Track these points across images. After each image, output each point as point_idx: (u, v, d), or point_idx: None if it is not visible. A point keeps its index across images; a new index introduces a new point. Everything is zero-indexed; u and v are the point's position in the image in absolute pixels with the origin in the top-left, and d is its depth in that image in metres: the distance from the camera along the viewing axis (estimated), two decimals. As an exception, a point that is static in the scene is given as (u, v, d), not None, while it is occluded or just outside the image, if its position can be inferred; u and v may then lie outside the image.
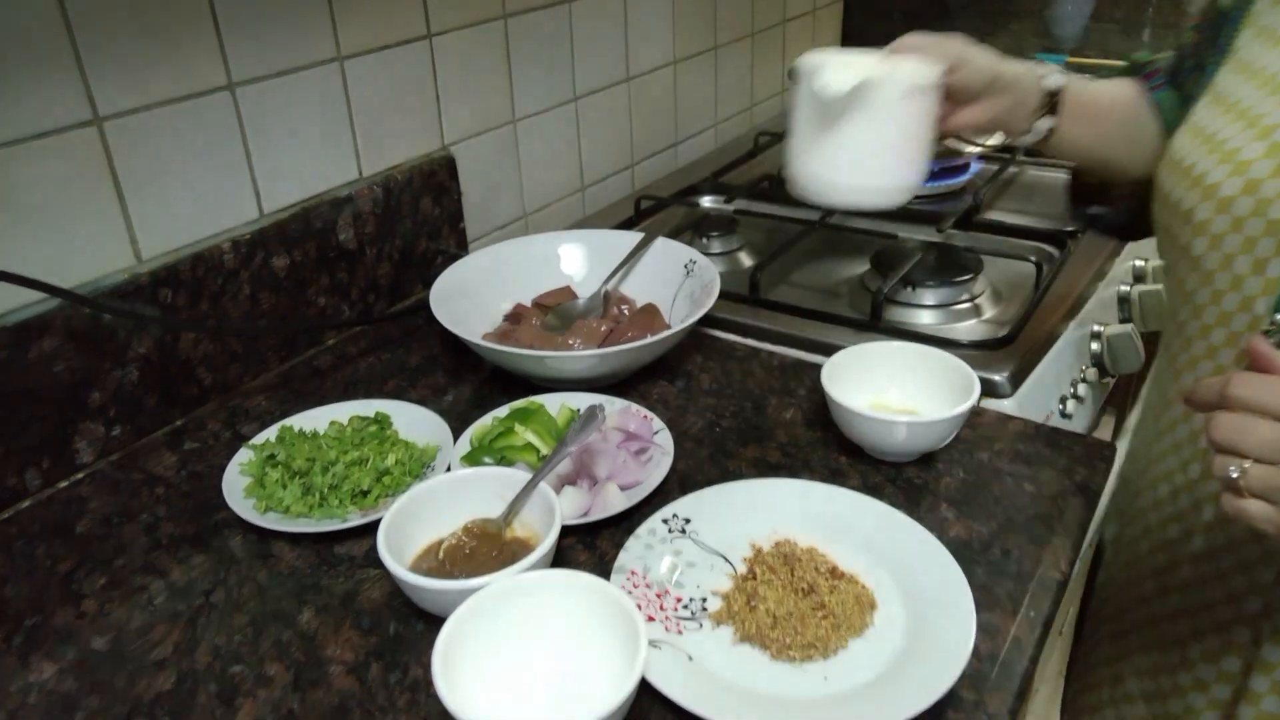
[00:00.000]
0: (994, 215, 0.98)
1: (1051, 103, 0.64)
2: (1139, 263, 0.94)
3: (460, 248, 0.86)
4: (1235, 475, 0.43)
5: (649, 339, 0.63)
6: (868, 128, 0.59)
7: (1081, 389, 0.78)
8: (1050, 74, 0.65)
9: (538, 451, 0.57)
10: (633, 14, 1.02)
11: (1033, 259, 0.83)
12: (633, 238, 0.79)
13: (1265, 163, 0.50)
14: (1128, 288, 0.89)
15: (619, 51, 1.02)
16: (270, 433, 0.60)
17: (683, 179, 1.07)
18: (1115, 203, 0.75)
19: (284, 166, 0.70)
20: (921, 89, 0.59)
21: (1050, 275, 0.81)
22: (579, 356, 0.63)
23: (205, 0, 0.62)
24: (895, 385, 0.64)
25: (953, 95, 0.61)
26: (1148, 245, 1.02)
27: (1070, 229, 0.89)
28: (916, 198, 1.02)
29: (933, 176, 1.02)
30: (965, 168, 1.03)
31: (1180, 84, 0.63)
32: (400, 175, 0.78)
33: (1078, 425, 0.78)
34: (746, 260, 0.91)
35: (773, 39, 1.29)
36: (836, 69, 0.56)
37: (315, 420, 0.61)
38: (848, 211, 0.82)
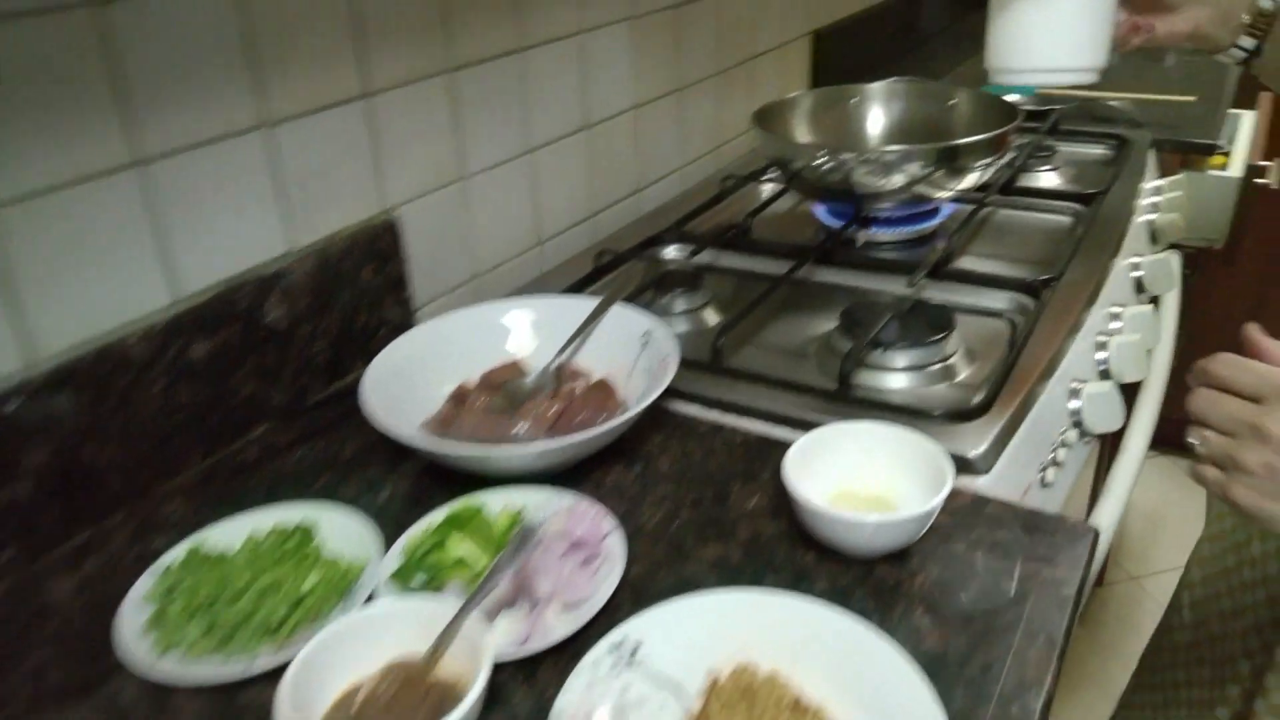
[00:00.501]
0: (966, 261, 0.94)
1: (1263, 24, 0.66)
2: (1115, 309, 0.91)
3: (406, 316, 0.81)
4: (1196, 443, 0.49)
5: (595, 431, 0.58)
6: (1051, 11, 0.70)
7: (1061, 454, 0.74)
8: None
9: (472, 569, 0.52)
10: (590, 60, 0.98)
11: (1006, 316, 0.79)
12: (586, 304, 0.75)
13: None
14: (1105, 338, 0.86)
15: (577, 99, 0.98)
16: (178, 552, 0.54)
17: (646, 228, 1.03)
18: None
19: (202, 245, 0.65)
20: None
21: (1025, 331, 0.77)
22: (520, 455, 0.58)
23: (104, 73, 0.57)
24: (864, 467, 0.60)
25: (1156, 2, 0.65)
26: (1125, 294, 0.99)
27: (1045, 277, 0.85)
28: (885, 243, 0.99)
29: (902, 221, 0.98)
30: (936, 211, 1.00)
31: None
32: (336, 245, 0.74)
33: (1059, 493, 0.74)
34: (712, 318, 0.87)
35: (739, 77, 1.26)
36: None
37: (232, 533, 0.56)
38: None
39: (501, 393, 0.68)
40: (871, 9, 1.59)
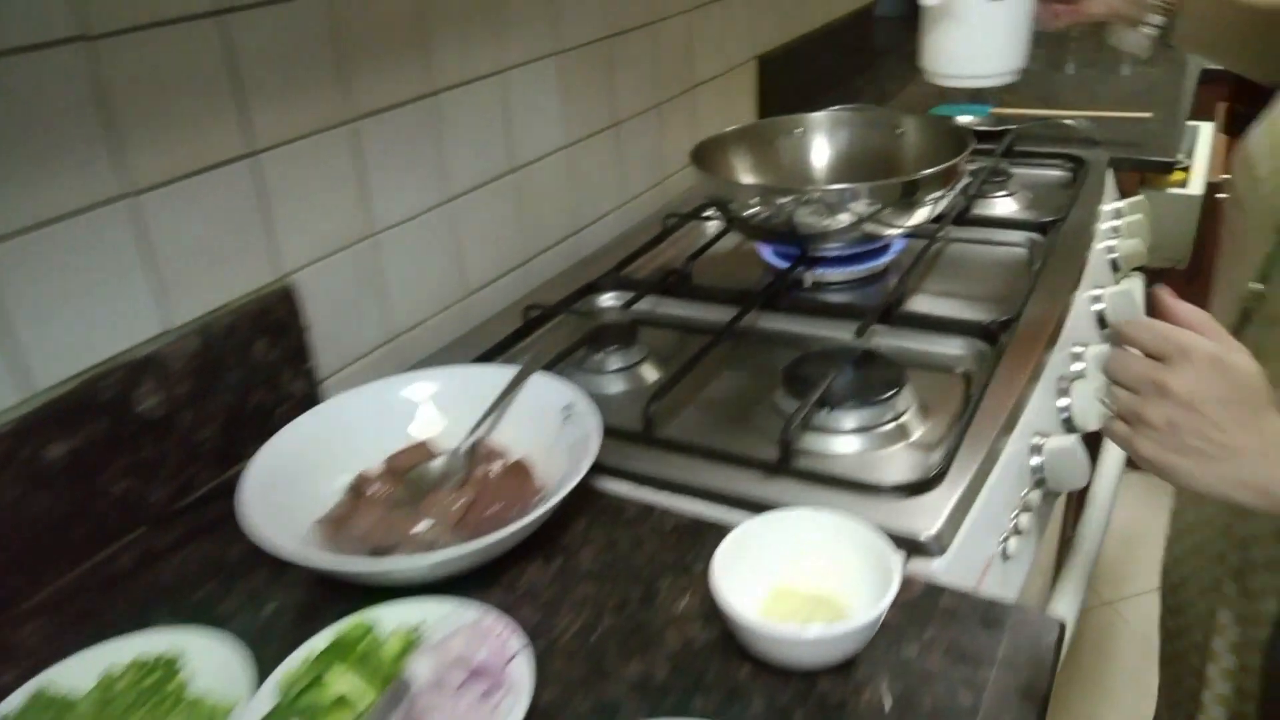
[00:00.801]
0: (919, 301, 0.89)
1: (1173, 1, 0.74)
2: (1077, 348, 0.86)
3: (310, 389, 0.74)
4: (1108, 401, 0.53)
5: (499, 535, 0.51)
6: (960, 30, 0.95)
7: (1024, 520, 0.68)
8: None
9: (354, 709, 0.45)
10: (515, 100, 0.92)
11: (960, 369, 0.74)
12: (503, 374, 0.68)
13: None
14: (1067, 383, 0.81)
15: (500, 142, 0.92)
16: (18, 699, 0.47)
17: (583, 273, 0.96)
18: None
19: (55, 333, 0.58)
20: None
21: (981, 384, 0.72)
22: (414, 568, 0.51)
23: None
24: (804, 558, 0.54)
25: None
26: (1087, 330, 0.94)
27: (1003, 318, 0.80)
28: (834, 283, 0.94)
29: (852, 260, 0.93)
30: (887, 248, 0.95)
31: None
32: (222, 320, 0.67)
33: (1022, 564, 0.68)
34: (650, 374, 0.81)
35: (681, 107, 1.21)
36: None
37: (86, 668, 0.49)
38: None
39: (406, 482, 0.62)
40: (818, 30, 1.55)
